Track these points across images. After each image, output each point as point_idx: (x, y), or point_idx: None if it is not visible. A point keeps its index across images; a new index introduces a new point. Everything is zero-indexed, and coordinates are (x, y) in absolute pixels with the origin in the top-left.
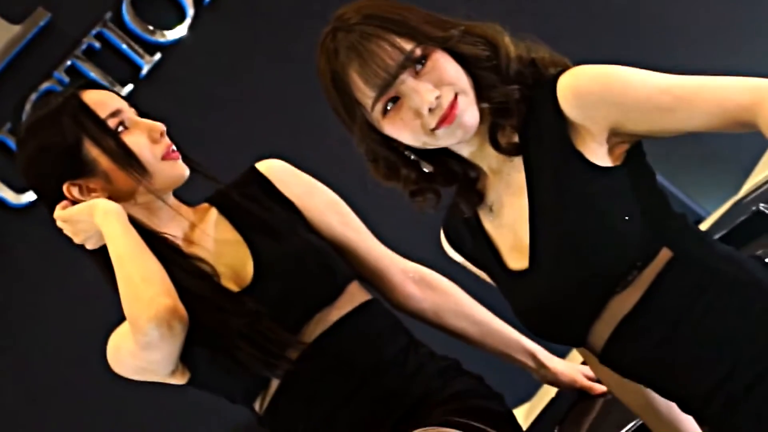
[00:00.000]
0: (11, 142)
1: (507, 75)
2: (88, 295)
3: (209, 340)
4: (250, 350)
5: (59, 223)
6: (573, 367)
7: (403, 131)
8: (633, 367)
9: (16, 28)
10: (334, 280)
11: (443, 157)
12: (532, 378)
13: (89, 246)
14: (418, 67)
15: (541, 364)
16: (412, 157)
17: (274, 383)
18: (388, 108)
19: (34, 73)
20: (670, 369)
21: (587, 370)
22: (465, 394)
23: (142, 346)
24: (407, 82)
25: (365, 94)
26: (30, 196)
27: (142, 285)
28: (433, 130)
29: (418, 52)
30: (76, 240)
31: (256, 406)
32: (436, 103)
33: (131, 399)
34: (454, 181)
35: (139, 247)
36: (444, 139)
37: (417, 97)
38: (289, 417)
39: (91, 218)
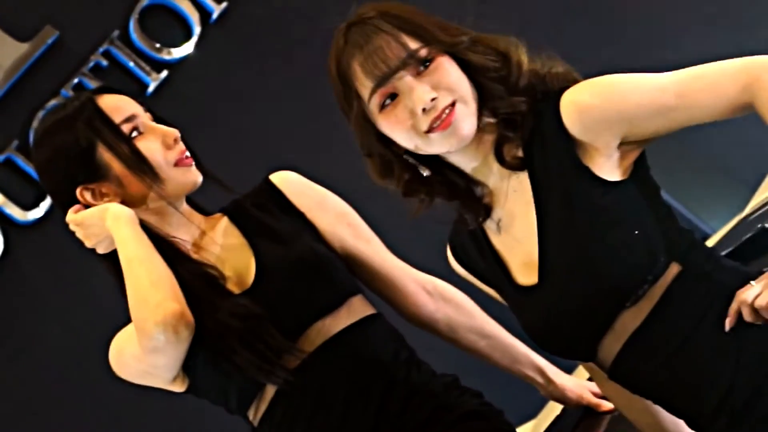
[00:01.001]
0: (19, 160)
1: (515, 87)
2: (95, 310)
3: (208, 342)
4: (246, 353)
5: (71, 227)
6: (580, 383)
7: (396, 129)
8: (642, 383)
9: (24, 46)
10: (335, 290)
11: (445, 168)
12: (538, 394)
13: (100, 250)
14: (421, 68)
15: (548, 380)
16: (410, 160)
17: (270, 392)
18: (386, 104)
19: (42, 90)
20: (679, 384)
21: (594, 387)
22: (468, 417)
23: (148, 351)
24: (405, 79)
25: (364, 85)
26: (37, 213)
27: (151, 289)
28: (426, 132)
29: (423, 52)
30: (88, 244)
31: (251, 414)
32: (430, 105)
33: (139, 409)
34: (455, 192)
35: (148, 252)
36: (437, 145)
37: (413, 95)
38: (283, 429)
39: (103, 222)
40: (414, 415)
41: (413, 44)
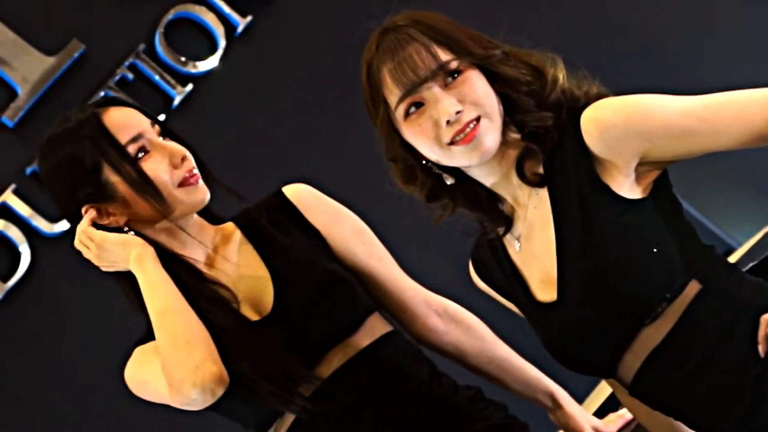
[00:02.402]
0: None
1: (545, 101)
2: (121, 322)
3: (226, 369)
4: (263, 383)
5: (83, 239)
6: (586, 417)
7: (419, 138)
8: (662, 399)
9: (50, 60)
10: (355, 312)
11: (467, 179)
12: None
13: (110, 270)
14: (449, 79)
15: (558, 406)
16: (434, 169)
17: (290, 416)
18: (410, 112)
19: (68, 103)
20: (699, 401)
21: (599, 423)
22: (494, 430)
23: (180, 405)
24: (433, 89)
25: (392, 92)
26: (64, 225)
27: (187, 349)
28: (449, 144)
29: (454, 64)
30: (97, 263)
31: None
32: (455, 117)
33: (164, 421)
34: (477, 202)
35: (179, 303)
36: (459, 158)
37: (439, 106)
38: None
39: (125, 257)
40: (439, 429)
41: (444, 55)
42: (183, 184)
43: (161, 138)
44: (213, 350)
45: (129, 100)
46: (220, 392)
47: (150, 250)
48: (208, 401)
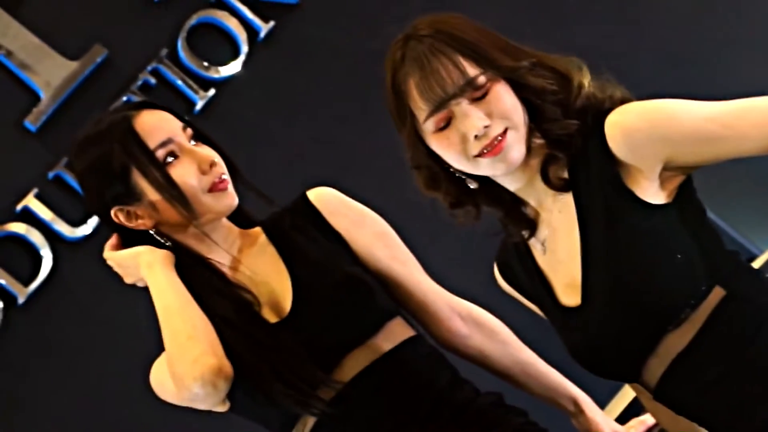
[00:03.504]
0: (68, 177)
1: (571, 110)
2: (143, 327)
3: (245, 372)
4: (281, 387)
5: (111, 264)
6: (609, 423)
7: (447, 151)
8: (686, 405)
9: (73, 65)
10: (374, 315)
11: (491, 183)
12: None
13: (140, 285)
14: (477, 93)
15: (580, 410)
16: (458, 174)
17: (311, 419)
18: (442, 126)
19: (91, 108)
20: (724, 407)
21: (621, 429)
22: None
23: (186, 401)
24: (462, 104)
25: (419, 106)
26: (86, 230)
27: (188, 343)
28: (475, 157)
29: (482, 79)
30: (127, 281)
31: None
32: (483, 132)
33: (186, 426)
34: (502, 207)
35: (184, 302)
36: (485, 169)
37: (467, 121)
38: None
39: (137, 267)
40: None
41: (472, 70)
42: (212, 189)
43: (192, 142)
44: (215, 344)
45: (161, 103)
46: (222, 385)
47: (159, 255)
48: (212, 395)
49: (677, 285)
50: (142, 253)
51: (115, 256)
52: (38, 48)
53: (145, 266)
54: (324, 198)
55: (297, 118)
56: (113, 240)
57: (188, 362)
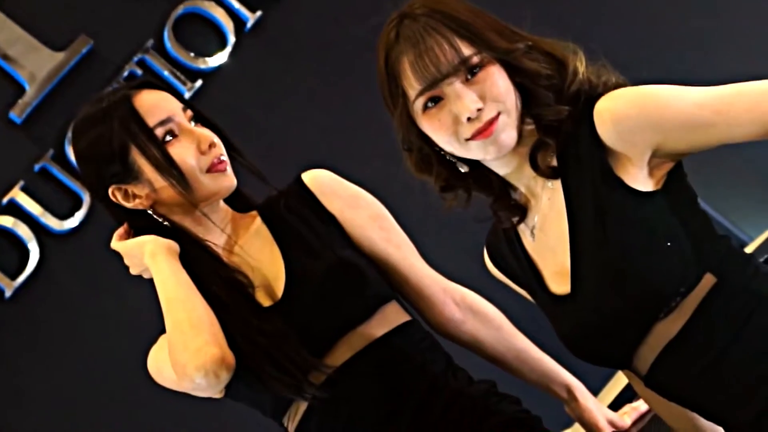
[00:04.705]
0: (55, 170)
1: (564, 95)
2: (131, 319)
3: (237, 355)
4: (273, 371)
5: (119, 251)
6: (601, 410)
7: (438, 132)
8: (678, 392)
9: (58, 56)
10: (365, 300)
11: (482, 167)
12: None
13: (146, 276)
14: (470, 74)
15: (573, 397)
16: (449, 157)
17: (303, 403)
18: (429, 106)
19: (77, 100)
20: (716, 394)
21: (614, 416)
22: (508, 424)
23: (187, 389)
24: (454, 85)
25: (411, 85)
26: (73, 223)
27: (191, 332)
28: (467, 140)
29: (475, 60)
30: (132, 272)
31: (286, 423)
32: (476, 114)
33: (176, 416)
34: (491, 191)
35: (188, 291)
36: (476, 152)
37: (459, 103)
38: None
39: (141, 256)
40: (453, 422)
41: (466, 50)
42: (211, 170)
43: (192, 123)
44: (218, 335)
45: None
46: (224, 375)
47: (162, 243)
48: (213, 384)
49: (667, 273)
50: (147, 242)
51: (119, 247)
52: (23, 39)
53: (148, 255)
54: (318, 180)
55: (284, 108)
56: (120, 230)
57: (191, 352)
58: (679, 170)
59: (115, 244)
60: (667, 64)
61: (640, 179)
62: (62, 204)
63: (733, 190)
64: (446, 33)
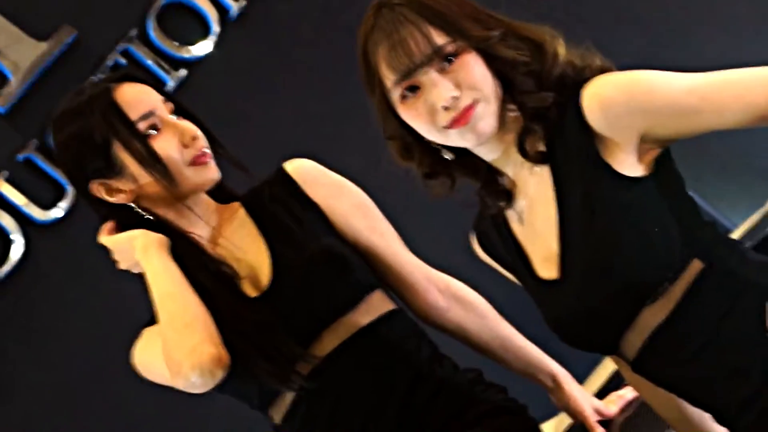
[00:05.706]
0: (38, 160)
1: (546, 81)
2: (116, 309)
3: (226, 347)
4: (259, 361)
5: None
6: (587, 398)
7: (416, 121)
8: (666, 377)
9: (42, 46)
10: (351, 289)
11: (467, 153)
12: None
13: (135, 271)
14: (446, 63)
15: (558, 386)
16: (433, 145)
17: (290, 394)
18: (406, 95)
19: (61, 90)
20: (703, 380)
21: (600, 404)
22: (494, 412)
23: (183, 387)
24: (430, 74)
25: (387, 76)
26: (57, 213)
27: (186, 331)
28: (444, 128)
29: (450, 48)
30: (121, 266)
31: (273, 414)
32: (452, 103)
33: (162, 409)
34: (477, 177)
35: (180, 288)
36: (455, 140)
37: (435, 91)
38: (306, 430)
39: (132, 251)
40: (439, 410)
41: (440, 39)
42: (194, 163)
43: (174, 116)
44: (213, 332)
45: (141, 75)
46: (219, 373)
47: (153, 238)
48: (209, 383)
49: (655, 258)
50: (137, 236)
51: (107, 241)
52: (6, 29)
53: (140, 250)
54: (301, 169)
55: (270, 97)
56: (108, 225)
57: (186, 350)
58: (667, 156)
59: (104, 238)
60: (654, 50)
61: (629, 165)
62: (46, 194)
63: (718, 176)
64: (419, 22)
